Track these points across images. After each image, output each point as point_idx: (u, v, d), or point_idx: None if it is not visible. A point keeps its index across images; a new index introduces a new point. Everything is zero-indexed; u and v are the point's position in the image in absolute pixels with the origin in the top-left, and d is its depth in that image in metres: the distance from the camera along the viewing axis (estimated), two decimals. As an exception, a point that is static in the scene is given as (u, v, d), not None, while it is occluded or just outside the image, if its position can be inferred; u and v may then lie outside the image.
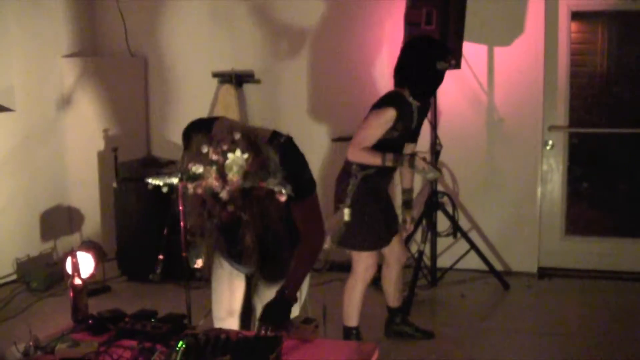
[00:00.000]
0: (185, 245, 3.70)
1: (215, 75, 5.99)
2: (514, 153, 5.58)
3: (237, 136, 2.21)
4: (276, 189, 2.23)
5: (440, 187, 5.43)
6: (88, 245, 5.37)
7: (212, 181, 2.17)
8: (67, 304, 2.63)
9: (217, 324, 2.85)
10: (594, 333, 4.48)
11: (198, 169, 2.18)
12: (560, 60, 5.55)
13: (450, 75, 5.33)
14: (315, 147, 5.84)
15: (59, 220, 6.02)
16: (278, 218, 2.29)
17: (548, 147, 5.63)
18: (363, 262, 3.96)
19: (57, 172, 6.02)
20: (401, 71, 3.81)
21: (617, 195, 5.95)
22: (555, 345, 4.31)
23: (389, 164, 3.67)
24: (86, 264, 5.07)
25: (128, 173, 5.57)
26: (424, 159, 3.65)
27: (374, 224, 3.89)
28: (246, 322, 2.91)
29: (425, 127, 5.30)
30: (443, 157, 5.33)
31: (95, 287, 5.21)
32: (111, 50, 6.33)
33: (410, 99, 3.79)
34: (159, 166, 5.59)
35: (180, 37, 6.19)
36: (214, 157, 2.18)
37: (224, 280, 2.86)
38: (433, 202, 5.23)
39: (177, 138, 5.56)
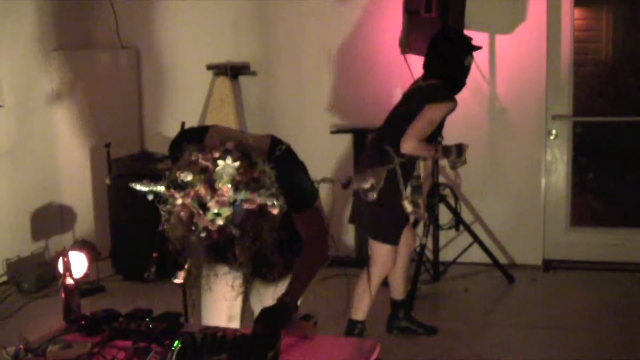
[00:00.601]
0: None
1: (210, 67, 5.97)
2: (516, 143, 5.57)
3: (230, 145, 2.18)
4: (268, 202, 2.18)
5: (442, 179, 5.43)
6: (81, 244, 5.34)
7: (201, 190, 2.11)
8: (60, 305, 2.62)
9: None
10: (602, 327, 4.48)
11: (186, 176, 2.12)
12: (564, 48, 5.54)
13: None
14: (313, 139, 5.82)
15: (50, 219, 6.01)
16: (272, 231, 2.26)
17: (552, 137, 5.62)
18: (383, 255, 3.97)
19: (48, 170, 6.00)
20: (433, 67, 3.96)
21: (623, 185, 5.96)
22: (562, 340, 4.31)
23: (437, 155, 3.96)
24: (79, 263, 5.05)
25: (121, 169, 5.55)
26: (465, 149, 4.00)
27: (400, 216, 3.94)
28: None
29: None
30: (444, 148, 5.32)
31: (88, 287, 5.21)
32: (102, 43, 6.30)
33: None
34: (153, 161, 5.56)
35: (173, 28, 6.17)
36: (204, 163, 2.13)
37: (219, 292, 2.81)
38: (435, 195, 5.22)
39: (172, 132, 5.51)
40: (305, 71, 5.88)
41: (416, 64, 5.09)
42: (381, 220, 3.89)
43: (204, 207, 2.12)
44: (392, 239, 3.95)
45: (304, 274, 2.55)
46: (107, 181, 5.58)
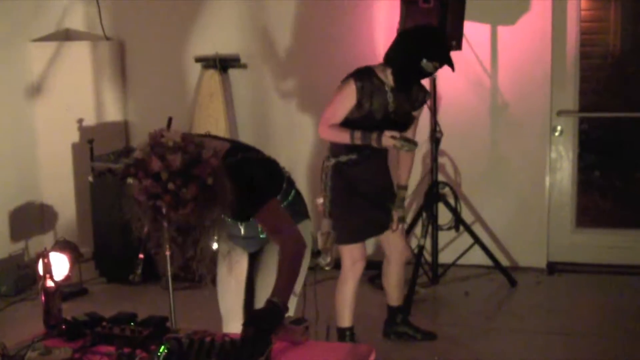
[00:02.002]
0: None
1: (198, 59, 5.97)
2: (520, 140, 5.59)
3: (177, 136, 2.37)
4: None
5: (441, 177, 5.44)
6: (62, 244, 5.34)
7: (152, 161, 2.30)
8: (39, 309, 2.63)
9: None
10: (609, 333, 4.50)
11: (139, 154, 2.35)
12: (569, 40, 5.55)
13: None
14: (305, 136, 5.83)
15: (30, 219, 6.00)
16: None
17: (557, 134, 5.64)
18: (347, 256, 4.00)
19: (27, 167, 5.99)
20: (388, 54, 3.92)
21: (631, 184, 5.98)
22: (567, 346, 4.33)
23: (357, 141, 3.76)
24: (60, 265, 5.06)
25: (105, 166, 5.55)
26: (392, 137, 3.70)
27: (351, 215, 3.93)
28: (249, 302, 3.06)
29: (424, 113, 5.31)
30: (444, 144, 5.34)
31: (70, 289, 5.21)
32: (84, 34, 6.29)
33: (384, 78, 3.87)
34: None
35: (159, 19, 6.16)
36: (152, 136, 2.38)
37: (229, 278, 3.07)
38: (433, 194, 5.24)
39: (157, 127, 5.57)
40: (299, 64, 5.89)
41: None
42: (335, 222, 3.91)
43: (156, 178, 2.30)
44: (347, 239, 3.95)
45: (285, 271, 2.64)
46: (90, 179, 5.58)
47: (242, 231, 2.95)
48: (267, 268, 2.93)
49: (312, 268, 3.14)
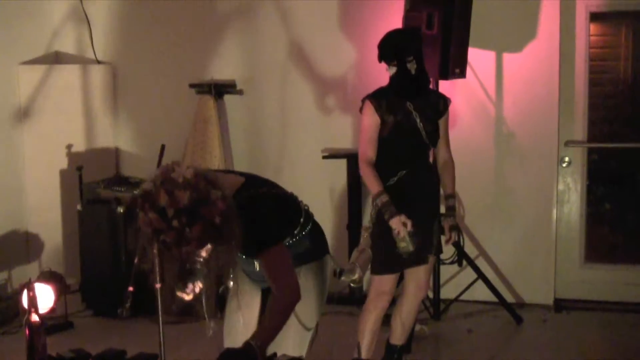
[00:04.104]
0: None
1: (192, 85, 6.02)
2: (526, 170, 5.63)
3: (189, 173, 2.42)
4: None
5: (443, 209, 5.46)
6: (48, 275, 5.36)
7: (159, 194, 2.36)
8: (23, 344, 2.65)
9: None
10: (617, 373, 4.51)
11: (148, 185, 2.40)
12: (578, 67, 5.59)
13: (454, 85, 5.43)
14: (303, 163, 5.88)
15: (14, 248, 6.01)
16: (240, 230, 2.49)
17: (564, 164, 5.68)
18: (375, 287, 4.04)
19: (13, 194, 6.02)
20: None
21: (642, 217, 5.99)
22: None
23: (377, 201, 3.88)
24: (45, 297, 5.07)
25: (94, 194, 5.58)
26: (404, 223, 3.80)
27: (390, 244, 3.92)
28: None
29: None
30: (447, 175, 5.37)
31: (55, 323, 5.19)
32: (75, 57, 6.36)
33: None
34: (129, 186, 5.61)
35: (153, 43, 6.23)
36: (162, 176, 2.42)
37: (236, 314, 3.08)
38: (455, 222, 5.25)
39: (150, 155, 5.63)
40: (296, 91, 5.95)
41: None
42: (373, 249, 3.92)
43: (162, 213, 2.35)
44: (380, 269, 3.98)
45: (273, 317, 2.70)
46: (79, 207, 5.60)
47: (257, 267, 2.94)
48: None
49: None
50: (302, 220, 2.93)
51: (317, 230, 3.05)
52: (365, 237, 3.89)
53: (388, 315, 4.27)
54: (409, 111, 3.96)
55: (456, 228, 4.15)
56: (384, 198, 3.85)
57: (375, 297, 4.06)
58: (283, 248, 2.78)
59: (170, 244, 2.39)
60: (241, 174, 2.91)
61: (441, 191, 4.21)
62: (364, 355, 4.09)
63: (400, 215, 3.81)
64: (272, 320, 2.68)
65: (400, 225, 3.80)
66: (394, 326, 4.29)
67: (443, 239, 4.15)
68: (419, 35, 4.13)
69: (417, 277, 4.15)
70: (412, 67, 3.91)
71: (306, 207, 3.02)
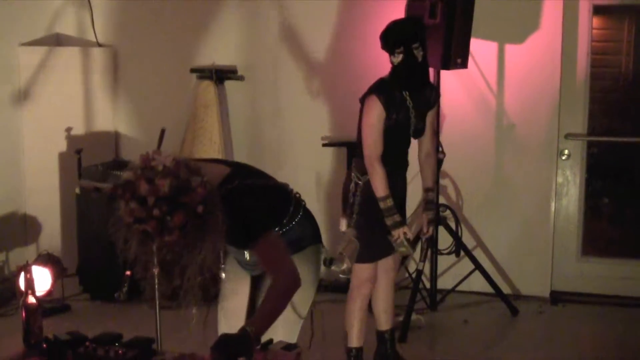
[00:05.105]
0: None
1: (193, 70, 6.01)
2: (525, 163, 5.63)
3: (168, 160, 2.42)
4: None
5: (442, 200, 5.48)
6: (45, 258, 5.36)
7: (139, 183, 2.36)
8: (19, 326, 2.65)
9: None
10: (612, 366, 4.52)
11: (128, 175, 2.41)
12: (580, 60, 5.59)
13: (455, 75, 5.41)
14: (303, 150, 5.88)
15: (12, 230, 6.01)
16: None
17: (564, 157, 5.67)
18: (357, 275, 4.06)
19: (11, 176, 6.01)
20: None
21: (640, 211, 6.00)
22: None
23: (382, 205, 3.89)
24: (42, 279, 5.08)
25: (93, 178, 5.59)
26: (404, 233, 3.90)
27: (374, 235, 4.00)
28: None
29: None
30: (446, 165, 5.38)
31: (52, 306, 5.21)
32: (76, 39, 6.34)
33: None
34: (128, 170, 5.60)
35: (155, 26, 6.21)
36: (143, 159, 2.44)
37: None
38: (434, 217, 5.26)
39: (149, 139, 5.62)
40: (297, 78, 5.93)
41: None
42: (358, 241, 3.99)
43: (142, 202, 2.35)
44: (364, 258, 4.01)
45: (271, 303, 2.68)
46: (77, 190, 5.61)
47: (248, 257, 2.94)
48: None
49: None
50: (291, 209, 2.91)
51: (308, 218, 3.02)
52: (348, 227, 3.97)
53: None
54: (407, 107, 3.97)
55: (434, 222, 4.22)
56: (389, 203, 3.89)
57: (358, 285, 4.10)
58: (274, 236, 2.77)
59: (152, 234, 2.37)
60: (229, 163, 2.89)
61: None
62: (355, 343, 4.12)
63: (403, 227, 3.90)
64: (269, 306, 2.67)
65: (401, 235, 3.90)
66: (377, 314, 4.32)
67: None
68: (423, 24, 4.14)
69: (383, 263, 4.17)
70: (418, 54, 3.91)
71: (297, 195, 2.98)
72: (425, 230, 4.20)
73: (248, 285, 3.09)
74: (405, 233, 3.90)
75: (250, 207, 2.68)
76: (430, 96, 4.10)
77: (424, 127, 4.10)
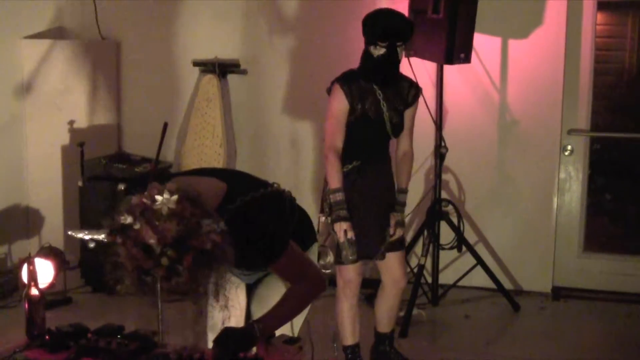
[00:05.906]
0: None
1: (196, 64, 6.01)
2: (528, 158, 5.63)
3: (173, 186, 2.19)
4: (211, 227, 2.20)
5: (444, 195, 5.47)
6: (47, 251, 5.36)
7: (143, 230, 2.12)
8: (22, 318, 2.65)
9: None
10: (613, 362, 4.52)
11: (126, 219, 2.15)
12: (584, 56, 5.58)
13: (458, 70, 5.41)
14: (307, 146, 5.87)
15: (14, 222, 6.02)
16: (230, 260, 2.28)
17: (567, 153, 5.67)
18: (340, 276, 4.00)
19: (14, 169, 6.02)
20: None
21: (643, 208, 5.99)
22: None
23: (332, 200, 3.78)
24: (45, 272, 5.08)
25: (96, 171, 5.60)
26: (345, 231, 3.73)
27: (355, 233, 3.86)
28: None
29: (429, 127, 5.35)
30: (448, 160, 5.36)
31: (54, 298, 5.22)
32: (79, 32, 6.34)
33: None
34: (131, 163, 5.61)
35: (157, 20, 6.21)
36: (142, 202, 2.16)
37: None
38: (436, 211, 5.27)
39: (152, 132, 5.62)
40: (301, 72, 5.93)
41: (421, 68, 5.17)
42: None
43: (147, 249, 2.13)
44: (337, 260, 3.85)
45: (288, 304, 2.62)
46: (80, 183, 5.62)
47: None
48: (264, 301, 2.84)
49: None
50: (295, 212, 2.77)
51: (304, 215, 2.90)
52: (323, 223, 3.85)
53: (370, 296, 4.24)
54: (378, 100, 3.88)
55: (402, 224, 4.02)
56: (339, 197, 3.77)
57: (343, 286, 4.02)
58: (292, 247, 2.60)
59: (160, 279, 2.16)
60: (222, 175, 2.64)
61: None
62: (349, 341, 4.10)
63: (344, 222, 3.74)
64: (286, 306, 2.61)
65: (340, 232, 3.74)
66: (379, 317, 4.25)
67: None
68: (413, 24, 4.03)
69: (391, 273, 4.09)
70: (400, 52, 3.83)
71: (290, 197, 2.77)
72: (392, 232, 3.99)
73: (244, 295, 2.98)
74: (346, 231, 3.73)
75: (262, 225, 2.53)
76: (408, 92, 3.97)
77: (401, 124, 3.97)
